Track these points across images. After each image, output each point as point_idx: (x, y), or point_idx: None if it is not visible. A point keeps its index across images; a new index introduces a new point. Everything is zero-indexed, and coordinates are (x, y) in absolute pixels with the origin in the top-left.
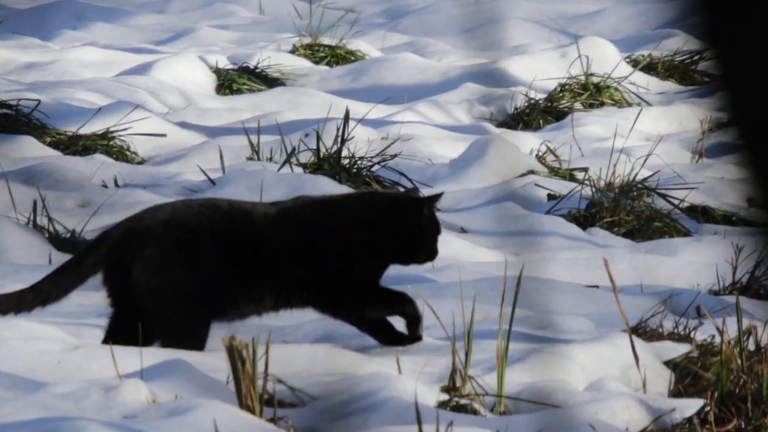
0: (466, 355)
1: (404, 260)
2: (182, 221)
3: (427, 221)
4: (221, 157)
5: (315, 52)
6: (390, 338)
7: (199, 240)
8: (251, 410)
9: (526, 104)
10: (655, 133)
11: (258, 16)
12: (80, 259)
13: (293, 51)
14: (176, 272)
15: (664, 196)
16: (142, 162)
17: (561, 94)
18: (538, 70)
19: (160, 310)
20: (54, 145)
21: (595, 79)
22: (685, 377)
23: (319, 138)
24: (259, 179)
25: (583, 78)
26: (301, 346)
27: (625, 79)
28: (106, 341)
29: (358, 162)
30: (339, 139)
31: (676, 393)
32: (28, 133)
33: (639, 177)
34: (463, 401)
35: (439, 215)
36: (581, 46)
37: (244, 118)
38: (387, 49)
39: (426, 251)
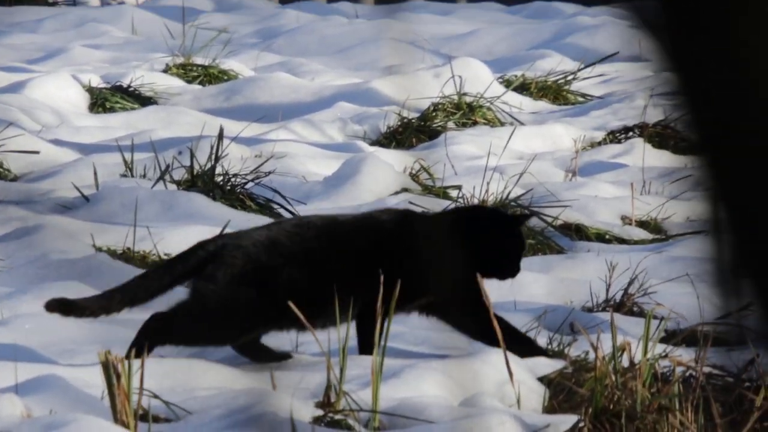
0: (341, 370)
1: (494, 274)
2: (275, 241)
3: (519, 238)
4: (95, 174)
5: (188, 72)
6: (520, 349)
7: (289, 262)
8: (126, 426)
9: (399, 123)
10: (529, 152)
11: (131, 36)
12: (170, 266)
13: (166, 70)
14: (252, 292)
15: (537, 214)
16: (15, 179)
17: (434, 114)
18: (411, 90)
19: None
20: None
21: (468, 99)
22: (560, 393)
23: (192, 155)
24: (134, 196)
25: (456, 98)
26: (177, 361)
27: (497, 99)
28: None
29: (232, 179)
30: (213, 157)
31: (550, 409)
32: None
33: (512, 195)
34: (338, 417)
35: None
36: (454, 66)
37: (118, 136)
38: (260, 68)
39: (514, 267)
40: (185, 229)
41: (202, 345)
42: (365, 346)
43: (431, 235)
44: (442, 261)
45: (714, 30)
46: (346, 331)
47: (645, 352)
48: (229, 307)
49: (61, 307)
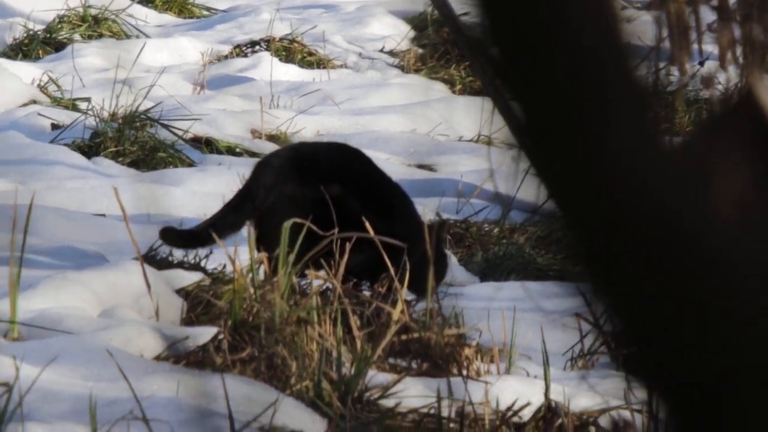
0: None
1: None
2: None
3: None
4: None
5: None
6: None
7: None
8: None
9: (25, 35)
10: (156, 65)
11: None
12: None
13: None
14: None
15: (167, 127)
16: None
17: (60, 26)
18: (36, 2)
19: None
20: None
21: (93, 11)
22: (198, 305)
23: None
24: None
25: (81, 10)
26: None
27: (123, 12)
28: None
29: None
30: None
31: (188, 321)
32: None
33: (142, 107)
34: None
35: None
36: None
37: None
38: None
39: None
40: None
41: None
42: None
43: None
44: None
45: None
46: None
47: (282, 265)
48: None
49: (172, 236)
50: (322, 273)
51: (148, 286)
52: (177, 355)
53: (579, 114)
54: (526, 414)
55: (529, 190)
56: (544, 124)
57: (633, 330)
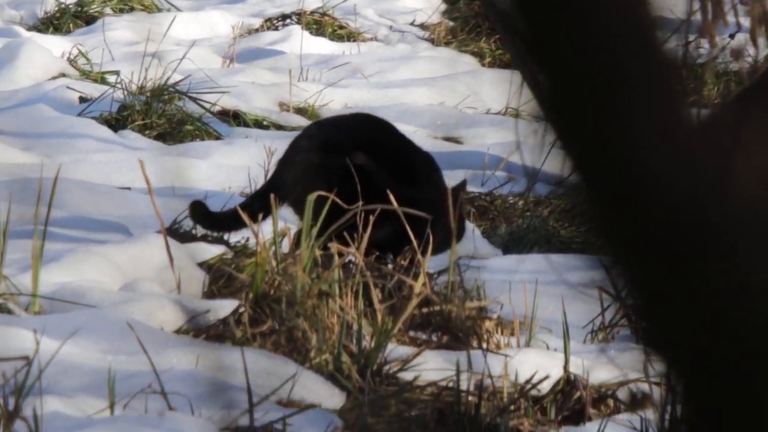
0: (1, 254)
1: None
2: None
3: None
4: None
5: None
6: None
7: None
8: None
9: (57, 9)
10: (187, 39)
11: None
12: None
13: None
14: None
15: (195, 100)
16: None
17: None
18: None
19: None
20: None
21: None
22: (220, 278)
23: None
24: None
25: None
26: None
27: None
28: None
29: None
30: None
31: (210, 294)
32: None
33: (171, 81)
34: None
35: None
36: None
37: None
38: None
39: None
40: None
41: None
42: None
43: None
44: None
45: None
46: (7, 216)
47: (306, 237)
48: None
49: (202, 214)
50: (345, 246)
51: (171, 259)
52: (197, 329)
53: (604, 88)
54: (545, 387)
55: (555, 164)
56: (570, 97)
57: (651, 304)
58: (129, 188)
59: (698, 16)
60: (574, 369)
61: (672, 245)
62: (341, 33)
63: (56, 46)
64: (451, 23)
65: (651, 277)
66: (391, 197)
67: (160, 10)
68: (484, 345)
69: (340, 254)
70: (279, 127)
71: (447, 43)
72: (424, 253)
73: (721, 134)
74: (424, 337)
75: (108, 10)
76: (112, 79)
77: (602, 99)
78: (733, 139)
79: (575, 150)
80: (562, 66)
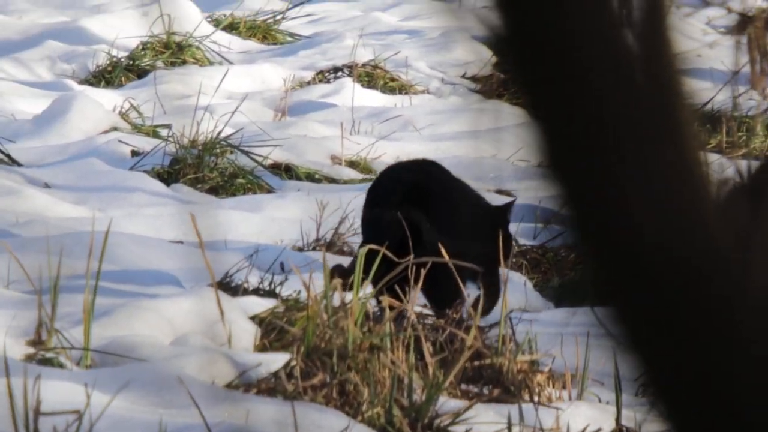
0: (53, 308)
1: None
2: None
3: None
4: None
5: None
6: None
7: None
8: None
9: (108, 62)
10: (238, 92)
11: None
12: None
13: None
14: None
15: (247, 153)
16: None
17: (143, 53)
18: (119, 29)
19: None
20: None
21: (176, 38)
22: (271, 332)
23: None
24: None
25: (164, 36)
26: None
27: (206, 38)
28: None
29: None
30: None
31: (261, 348)
32: None
33: (223, 134)
34: (49, 354)
35: (21, 170)
36: (163, 5)
37: None
38: None
39: None
40: None
41: None
42: None
43: None
44: None
45: None
46: (58, 270)
47: (356, 291)
48: None
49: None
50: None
51: (222, 312)
52: (249, 383)
53: (600, 150)
54: None
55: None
56: (561, 150)
57: (652, 376)
58: (181, 242)
59: (747, 69)
60: (625, 422)
61: (678, 326)
62: (393, 85)
63: (108, 99)
64: (503, 76)
65: (646, 348)
66: (443, 250)
67: (211, 63)
68: (536, 398)
69: (391, 307)
70: (331, 180)
71: (498, 96)
72: (474, 307)
73: (737, 219)
74: (475, 390)
75: (159, 64)
76: (163, 132)
77: (595, 158)
78: (753, 218)
79: (572, 205)
80: (549, 114)
